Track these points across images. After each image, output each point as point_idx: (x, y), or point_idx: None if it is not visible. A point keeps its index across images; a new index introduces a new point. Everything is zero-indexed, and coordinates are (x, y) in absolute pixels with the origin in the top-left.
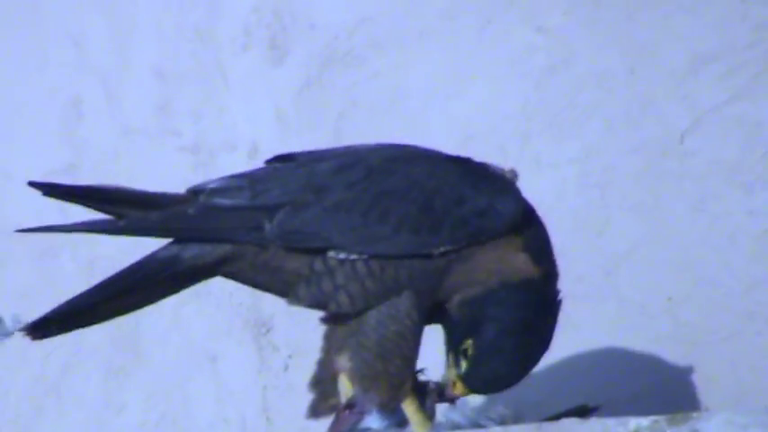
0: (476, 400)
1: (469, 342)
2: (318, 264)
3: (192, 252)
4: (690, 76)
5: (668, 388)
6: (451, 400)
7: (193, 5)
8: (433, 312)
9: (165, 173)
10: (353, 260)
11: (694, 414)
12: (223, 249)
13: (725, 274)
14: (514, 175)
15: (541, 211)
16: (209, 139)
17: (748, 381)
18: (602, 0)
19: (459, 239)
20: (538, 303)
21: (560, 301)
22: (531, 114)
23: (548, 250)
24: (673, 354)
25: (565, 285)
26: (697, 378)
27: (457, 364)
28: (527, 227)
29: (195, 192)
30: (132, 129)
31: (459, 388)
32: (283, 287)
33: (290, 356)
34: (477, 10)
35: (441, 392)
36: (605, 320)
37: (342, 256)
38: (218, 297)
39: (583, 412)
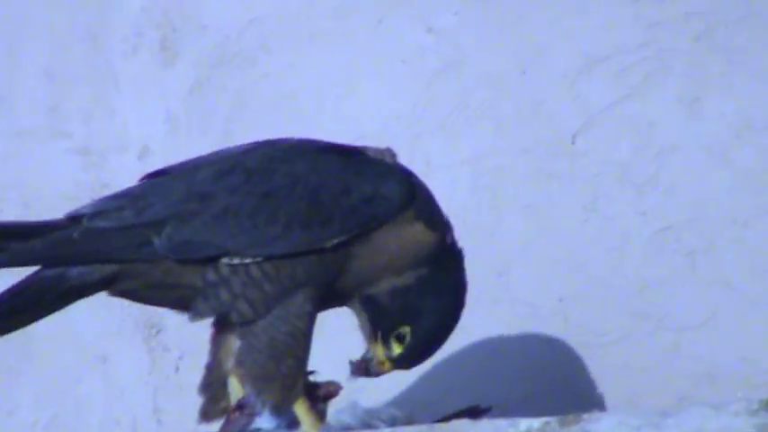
0: (367, 401)
1: (407, 329)
2: (211, 274)
3: (78, 271)
4: (581, 77)
5: (560, 389)
6: (375, 375)
7: (84, 6)
8: (338, 301)
9: (56, 174)
10: (247, 264)
11: (585, 415)
12: (110, 268)
13: (617, 275)
14: (392, 155)
15: None
16: (100, 141)
17: (640, 382)
18: (493, 1)
19: (350, 229)
20: (453, 274)
21: (461, 251)
22: (422, 115)
23: (436, 207)
24: (564, 355)
25: None
26: (589, 379)
27: (388, 347)
28: (414, 197)
29: (74, 218)
30: (22, 130)
31: (388, 366)
32: (180, 302)
33: (180, 357)
34: (367, 10)
35: (366, 368)
36: (497, 321)
37: (236, 261)
38: (108, 298)
39: (474, 413)
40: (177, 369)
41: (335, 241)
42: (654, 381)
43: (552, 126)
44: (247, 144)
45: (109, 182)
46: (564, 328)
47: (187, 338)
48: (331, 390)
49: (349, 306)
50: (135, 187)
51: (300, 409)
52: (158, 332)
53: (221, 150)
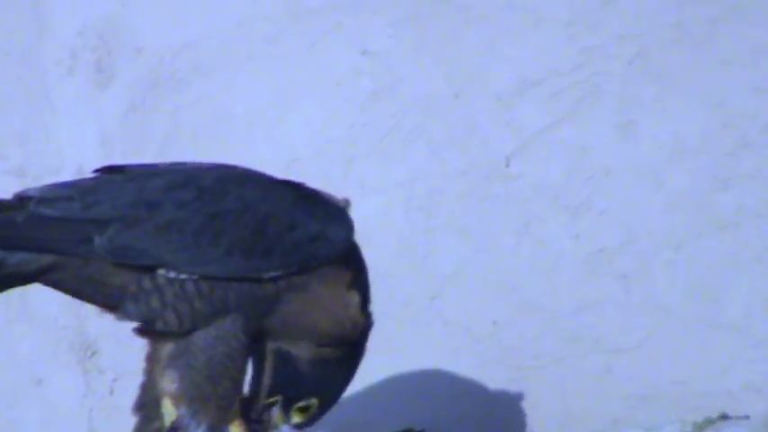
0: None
1: (315, 402)
2: (147, 281)
3: (18, 258)
4: (515, 100)
5: (493, 412)
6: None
7: (19, 28)
8: (258, 340)
9: None
10: (183, 279)
11: None
12: (48, 258)
13: (550, 297)
14: (347, 204)
15: (366, 236)
16: (35, 163)
17: (574, 404)
18: (428, 24)
19: (289, 264)
20: (361, 351)
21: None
22: (357, 138)
23: (368, 284)
24: (498, 377)
25: (390, 309)
26: (522, 402)
27: (287, 412)
28: (354, 261)
29: (21, 198)
30: None
31: (278, 427)
32: (107, 300)
33: (115, 379)
34: (301, 33)
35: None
36: (431, 344)
37: (172, 274)
38: (43, 320)
39: None
40: (112, 391)
41: (272, 274)
42: (588, 403)
43: (486, 149)
44: (210, 162)
45: None
46: (498, 351)
47: (122, 360)
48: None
49: (263, 351)
50: (87, 179)
51: (236, 430)
52: (93, 354)
53: (183, 162)
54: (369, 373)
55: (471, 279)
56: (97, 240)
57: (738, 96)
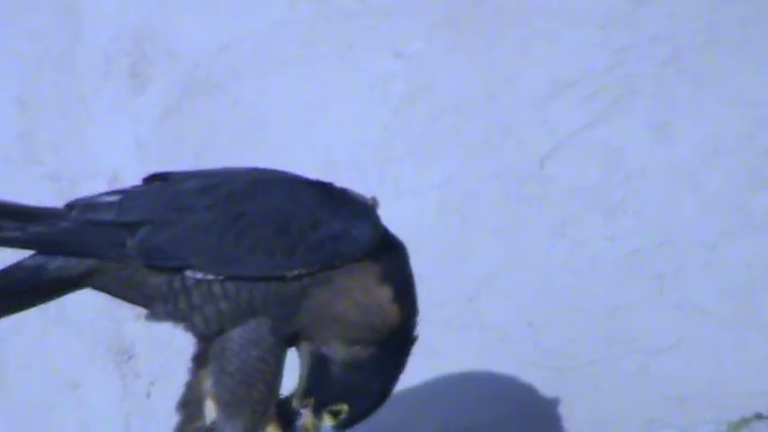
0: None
1: (345, 407)
2: (177, 282)
3: (57, 264)
4: (549, 102)
5: (530, 413)
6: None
7: (54, 34)
8: (292, 342)
9: (28, 201)
10: (210, 281)
11: None
12: (87, 263)
13: (586, 299)
14: (375, 202)
15: (402, 238)
16: (71, 168)
17: (610, 405)
18: (462, 26)
19: (312, 263)
20: (402, 357)
21: (415, 340)
22: (391, 140)
23: (411, 289)
24: (534, 379)
25: (426, 311)
26: (559, 403)
27: (319, 416)
28: (386, 255)
29: (71, 206)
30: None
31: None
32: (147, 302)
33: (152, 383)
34: (336, 36)
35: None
36: (467, 346)
37: (198, 275)
38: (79, 324)
39: None
40: (149, 395)
41: (296, 272)
42: (624, 404)
43: (521, 151)
44: (249, 167)
45: None
46: (534, 352)
47: (158, 364)
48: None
49: (298, 351)
50: (134, 187)
51: None
52: (130, 358)
53: (225, 168)
54: (406, 375)
55: (507, 281)
56: (129, 243)
57: None
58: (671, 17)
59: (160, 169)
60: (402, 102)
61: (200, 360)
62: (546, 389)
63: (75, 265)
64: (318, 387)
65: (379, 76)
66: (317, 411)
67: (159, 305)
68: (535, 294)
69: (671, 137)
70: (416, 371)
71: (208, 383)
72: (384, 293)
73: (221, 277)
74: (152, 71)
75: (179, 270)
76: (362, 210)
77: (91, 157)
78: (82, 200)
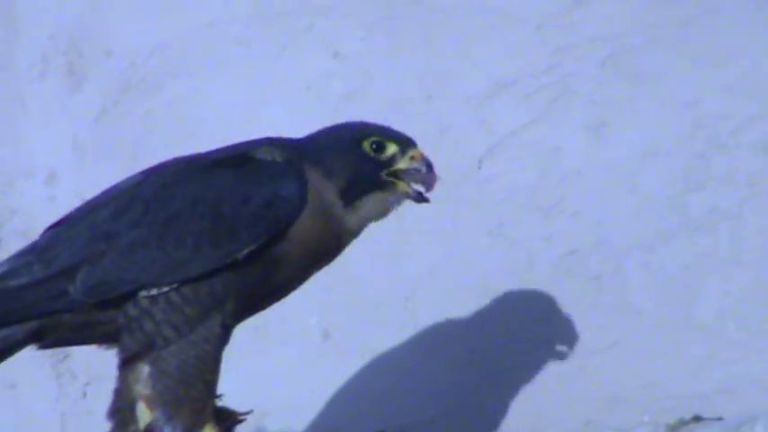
0: (274, 425)
1: None
2: (131, 309)
3: (1, 335)
4: (487, 102)
5: (466, 414)
6: None
7: None
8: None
9: None
10: (165, 292)
11: None
12: (32, 325)
13: (522, 299)
14: (280, 145)
15: None
16: (7, 167)
17: (546, 406)
18: (399, 26)
19: (258, 235)
20: None
21: None
22: None
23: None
24: (470, 379)
25: (363, 311)
26: (494, 403)
27: None
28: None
29: None
30: None
31: None
32: (107, 337)
33: (87, 383)
34: (273, 36)
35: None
36: (403, 346)
37: (154, 292)
38: None
39: None
40: (85, 395)
41: (245, 251)
42: (560, 405)
43: (459, 150)
44: (136, 175)
45: (16, 207)
46: (469, 352)
47: (94, 364)
48: (239, 415)
49: None
50: (39, 241)
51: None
52: (65, 358)
53: (112, 188)
54: (342, 375)
55: (444, 281)
56: (71, 289)
57: (710, 97)
58: (609, 18)
59: (97, 168)
60: (339, 102)
61: (127, 365)
62: (482, 389)
63: (20, 329)
64: None
65: (317, 75)
66: None
67: (126, 338)
68: (471, 294)
69: (608, 137)
70: (353, 371)
71: (139, 387)
72: (331, 192)
73: (175, 285)
74: (88, 70)
75: (132, 295)
76: (278, 168)
77: (28, 155)
78: None
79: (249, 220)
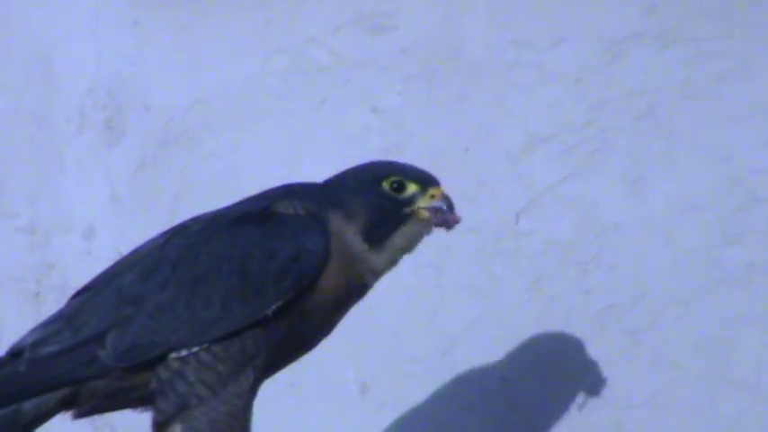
0: None
1: None
2: (162, 372)
3: (33, 403)
4: (525, 156)
5: None
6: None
7: (29, 86)
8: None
9: (2, 253)
10: (196, 352)
11: None
12: (63, 392)
13: (561, 354)
14: (300, 197)
15: (376, 292)
16: (45, 221)
17: None
18: (436, 80)
19: (285, 291)
20: None
21: None
22: None
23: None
24: None
25: (400, 365)
26: None
27: None
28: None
29: (14, 353)
30: None
31: None
32: (141, 402)
33: None
34: (311, 90)
35: None
36: (441, 401)
37: (184, 353)
38: None
39: None
40: None
41: (273, 307)
42: None
43: (496, 205)
44: (158, 236)
45: (54, 261)
46: (508, 408)
47: (130, 417)
48: None
49: None
50: (65, 308)
51: None
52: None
53: (136, 250)
54: (379, 430)
55: (481, 335)
56: (102, 354)
57: (747, 152)
58: (645, 73)
59: (134, 223)
60: (378, 155)
61: (160, 425)
62: None
63: (52, 397)
64: None
65: (355, 130)
66: None
67: (160, 401)
68: (509, 349)
69: (645, 191)
70: (390, 425)
71: None
72: (357, 240)
73: (206, 345)
74: (126, 124)
75: (163, 357)
76: (301, 221)
77: (65, 209)
78: (22, 342)
79: (276, 275)
